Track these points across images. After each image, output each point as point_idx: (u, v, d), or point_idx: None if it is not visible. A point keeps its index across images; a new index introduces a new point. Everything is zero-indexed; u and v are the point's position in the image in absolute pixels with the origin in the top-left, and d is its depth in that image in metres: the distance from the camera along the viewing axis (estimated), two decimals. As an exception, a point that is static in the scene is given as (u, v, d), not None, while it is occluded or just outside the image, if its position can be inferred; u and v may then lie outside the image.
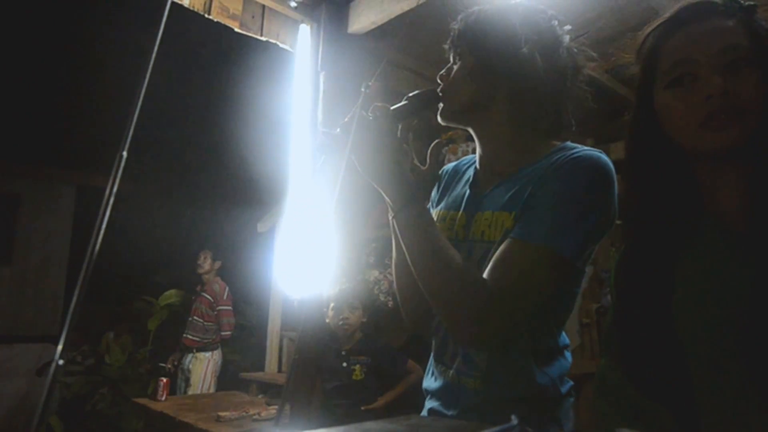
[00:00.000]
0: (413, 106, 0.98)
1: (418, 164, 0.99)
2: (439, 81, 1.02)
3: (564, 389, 0.95)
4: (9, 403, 4.75)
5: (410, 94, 0.98)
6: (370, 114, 0.93)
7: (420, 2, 2.16)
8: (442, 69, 1.03)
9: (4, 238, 7.02)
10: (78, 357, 5.35)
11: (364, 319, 2.79)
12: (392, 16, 2.42)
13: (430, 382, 1.04)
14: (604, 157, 0.90)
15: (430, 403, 1.02)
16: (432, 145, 1.07)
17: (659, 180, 0.77)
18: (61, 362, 0.54)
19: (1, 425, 4.64)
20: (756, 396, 0.66)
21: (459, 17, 1.01)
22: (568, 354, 0.99)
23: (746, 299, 0.66)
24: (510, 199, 0.92)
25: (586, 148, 0.93)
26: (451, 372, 0.97)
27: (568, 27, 0.98)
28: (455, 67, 1.00)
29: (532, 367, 0.91)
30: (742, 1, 0.73)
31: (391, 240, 1.05)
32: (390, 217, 0.98)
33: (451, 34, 1.02)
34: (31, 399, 4.73)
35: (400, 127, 0.95)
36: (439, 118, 1.01)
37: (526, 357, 0.91)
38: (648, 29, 0.78)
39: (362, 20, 2.54)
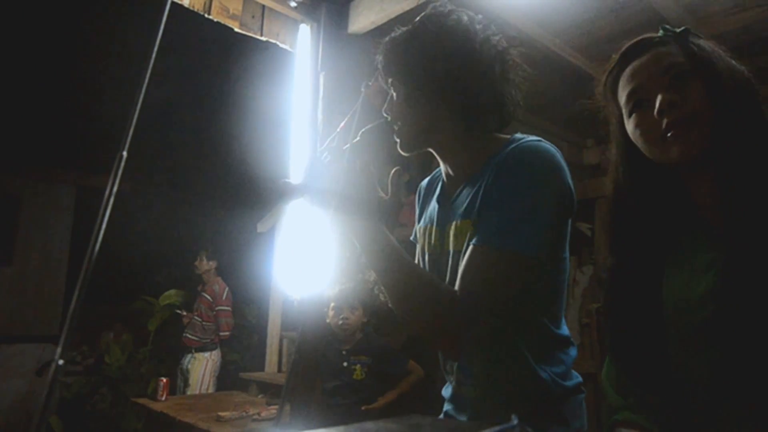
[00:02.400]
0: (369, 140, 0.98)
1: (382, 193, 0.99)
2: (385, 115, 1.02)
3: (570, 384, 0.94)
4: (9, 403, 4.75)
5: (363, 129, 0.99)
6: (324, 156, 0.94)
7: (420, 2, 2.16)
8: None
9: (4, 238, 7.01)
10: (78, 357, 5.36)
11: (365, 319, 2.79)
12: (392, 16, 2.43)
13: (444, 388, 1.07)
14: (544, 144, 0.91)
15: (446, 407, 1.05)
16: (392, 173, 1.07)
17: (649, 192, 0.83)
18: (61, 362, 0.54)
19: (1, 425, 4.64)
20: (726, 381, 0.71)
21: (379, 49, 1.01)
22: (572, 349, 0.98)
23: (713, 293, 0.72)
24: (468, 206, 0.94)
25: (528, 138, 0.94)
26: (453, 382, 1.00)
27: (479, 16, 0.98)
28: (393, 99, 1.00)
29: (530, 364, 0.91)
30: (676, 30, 0.81)
31: None
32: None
33: (377, 67, 1.02)
34: (31, 399, 4.73)
35: (359, 162, 0.95)
36: (400, 151, 1.03)
37: (522, 356, 0.91)
38: (604, 73, 0.87)
39: (362, 20, 2.55)
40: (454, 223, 0.97)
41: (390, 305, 0.95)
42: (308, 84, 2.55)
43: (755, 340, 0.68)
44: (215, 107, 9.71)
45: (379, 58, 1.00)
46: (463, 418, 0.98)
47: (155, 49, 0.76)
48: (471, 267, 0.87)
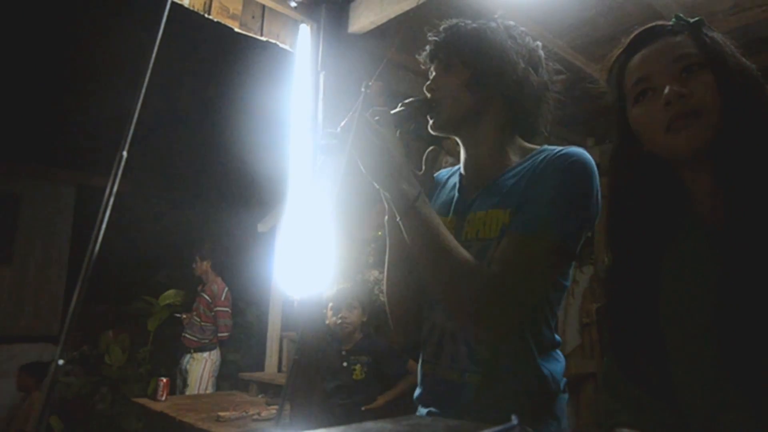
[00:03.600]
0: (409, 113, 1.00)
1: (414, 170, 1.01)
2: (426, 92, 1.04)
3: (562, 384, 0.98)
4: (9, 402, 4.75)
5: (405, 101, 1.01)
6: (371, 116, 0.95)
7: (420, 2, 2.16)
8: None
9: (4, 238, 7.00)
10: (78, 357, 5.36)
11: (365, 319, 2.79)
12: (392, 16, 2.42)
13: (423, 389, 1.05)
14: (587, 153, 0.97)
15: (424, 411, 1.02)
16: (427, 151, 1.08)
17: (647, 189, 0.83)
18: (61, 362, 0.54)
19: (1, 425, 4.64)
20: (727, 381, 0.70)
21: (441, 28, 1.05)
22: (560, 352, 1.02)
23: (715, 291, 0.71)
24: (503, 197, 0.96)
25: (566, 147, 0.98)
26: (452, 371, 0.98)
27: (539, 43, 1.06)
28: (445, 79, 1.03)
29: (535, 358, 0.94)
30: (689, 19, 0.80)
31: None
32: (387, 220, 1.01)
33: (431, 45, 1.05)
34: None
35: (398, 132, 0.98)
36: (430, 129, 1.04)
37: (529, 348, 0.94)
38: (612, 58, 0.86)
39: (362, 20, 2.54)
40: (479, 212, 0.99)
41: (421, 274, 0.95)
42: (308, 84, 2.55)
43: (755, 339, 0.67)
44: (215, 107, 9.72)
45: (441, 37, 1.04)
46: (454, 415, 0.97)
47: (155, 49, 0.76)
48: (512, 250, 0.89)
